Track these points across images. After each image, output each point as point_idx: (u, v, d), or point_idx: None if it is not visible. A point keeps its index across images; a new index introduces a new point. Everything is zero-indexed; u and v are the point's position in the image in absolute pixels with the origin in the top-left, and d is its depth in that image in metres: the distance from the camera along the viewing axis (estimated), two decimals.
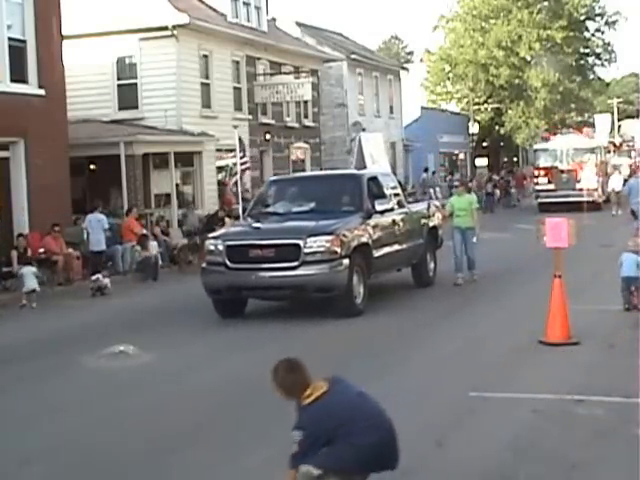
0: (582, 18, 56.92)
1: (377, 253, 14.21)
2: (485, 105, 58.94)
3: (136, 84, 27.42)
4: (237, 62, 30.71)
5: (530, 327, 11.33)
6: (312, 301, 13.64)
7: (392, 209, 15.30)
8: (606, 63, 59.58)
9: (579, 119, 63.41)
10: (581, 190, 34.02)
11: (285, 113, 34.05)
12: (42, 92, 20.75)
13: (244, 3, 31.88)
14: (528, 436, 7.18)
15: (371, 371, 9.71)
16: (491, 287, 16.19)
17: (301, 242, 12.98)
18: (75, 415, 8.59)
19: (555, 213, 27.34)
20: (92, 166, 26.16)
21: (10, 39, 20.25)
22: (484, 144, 60.49)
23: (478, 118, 57.85)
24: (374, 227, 14.32)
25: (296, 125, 34.99)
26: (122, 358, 11.30)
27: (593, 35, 58.79)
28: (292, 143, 34.73)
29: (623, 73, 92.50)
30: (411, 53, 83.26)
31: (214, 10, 30.44)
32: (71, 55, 23.81)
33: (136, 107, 27.20)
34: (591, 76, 60.60)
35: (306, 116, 36.02)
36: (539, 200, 36.96)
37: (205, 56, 28.71)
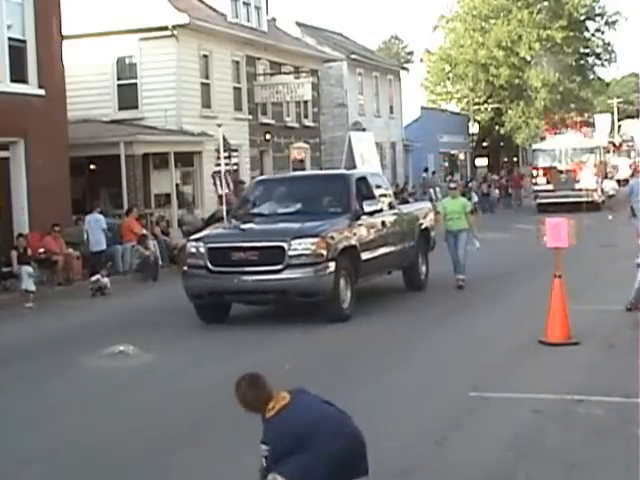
0: (582, 18, 56.92)
1: (365, 256, 13.73)
2: (485, 105, 58.94)
3: (136, 84, 27.41)
4: (237, 62, 30.71)
5: (530, 327, 11.34)
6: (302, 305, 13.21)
7: (381, 210, 14.81)
8: (606, 63, 59.62)
9: (579, 119, 63.43)
10: (580, 190, 33.90)
11: (285, 113, 34.05)
12: (42, 92, 20.75)
13: (244, 3, 31.88)
14: (528, 436, 7.18)
15: (369, 373, 9.72)
16: (491, 287, 16.18)
17: (285, 245, 12.55)
18: (75, 415, 8.59)
19: (554, 214, 27.28)
20: (92, 166, 26.16)
21: (10, 39, 20.24)
22: (484, 144, 60.48)
23: (478, 118, 57.85)
24: (362, 229, 13.89)
25: (296, 125, 34.99)
26: (122, 358, 11.31)
27: (593, 35, 58.80)
28: (292, 143, 34.72)
29: (623, 73, 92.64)
30: (411, 53, 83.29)
31: (214, 10, 30.43)
32: (71, 55, 23.80)
33: (136, 107, 27.19)
34: (591, 76, 60.60)
35: (306, 116, 36.02)
36: (538, 200, 36.69)
37: (205, 56, 28.71)
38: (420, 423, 7.67)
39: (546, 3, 55.74)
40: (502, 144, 61.61)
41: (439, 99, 59.95)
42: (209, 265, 12.89)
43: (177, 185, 26.93)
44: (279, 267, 12.52)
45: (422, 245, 16.29)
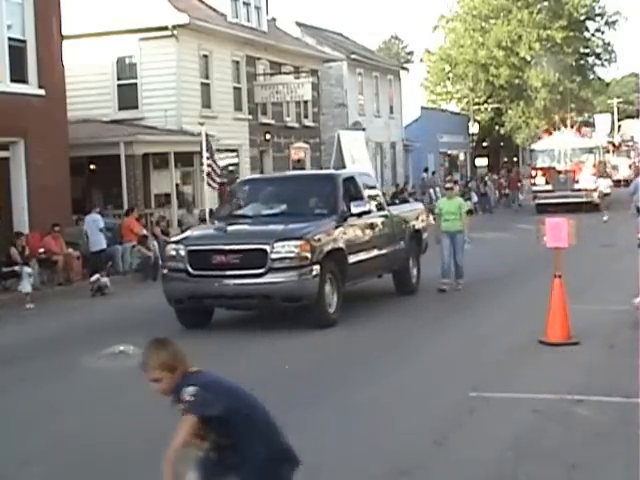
0: (582, 18, 56.97)
1: (353, 259, 13.28)
2: (485, 105, 58.98)
3: (136, 84, 27.43)
4: (237, 62, 30.73)
5: (530, 327, 11.33)
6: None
7: (369, 211, 14.30)
8: (606, 63, 59.70)
9: (579, 119, 63.45)
10: (579, 191, 33.68)
11: (285, 113, 34.06)
12: (42, 92, 20.76)
13: (244, 3, 31.90)
14: (528, 436, 7.18)
15: (368, 374, 9.72)
16: (490, 287, 16.16)
17: (268, 247, 12.09)
18: (75, 415, 8.59)
19: (553, 214, 27.22)
20: (92, 166, 26.18)
21: (10, 39, 20.26)
22: (484, 144, 60.52)
23: (478, 118, 57.87)
24: (349, 231, 13.46)
25: (296, 125, 34.99)
26: (122, 358, 11.30)
27: (593, 35, 58.86)
28: (292, 143, 34.73)
29: (623, 73, 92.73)
30: (411, 53, 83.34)
31: (214, 10, 30.45)
32: (71, 55, 23.82)
33: (136, 107, 27.21)
34: (591, 76, 60.66)
35: (306, 116, 36.02)
36: (536, 201, 36.36)
37: (205, 56, 28.72)
38: (420, 423, 7.67)
39: (546, 3, 55.78)
40: (502, 144, 61.66)
41: (439, 99, 59.99)
42: (189, 268, 12.47)
43: (177, 185, 26.95)
44: (261, 271, 12.09)
45: (413, 247, 15.86)
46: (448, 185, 17.94)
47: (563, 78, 55.19)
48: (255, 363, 10.53)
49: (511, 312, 13.31)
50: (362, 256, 13.69)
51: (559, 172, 35.84)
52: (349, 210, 13.51)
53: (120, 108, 27.47)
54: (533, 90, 55.12)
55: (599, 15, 57.95)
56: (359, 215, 13.72)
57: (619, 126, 71.60)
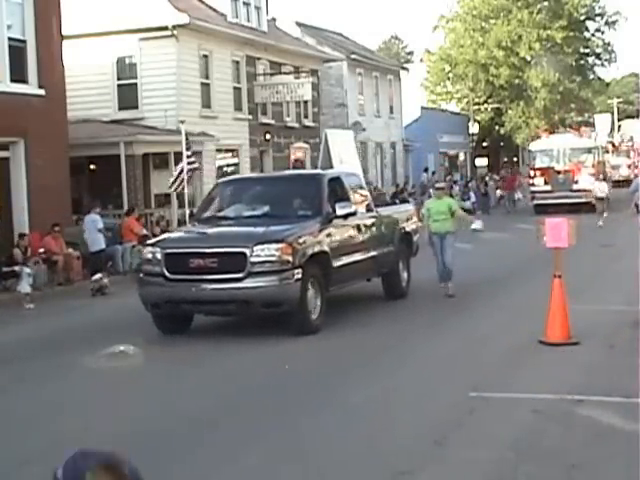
0: (582, 18, 57.00)
1: (337, 262, 12.77)
2: (485, 105, 58.99)
3: (136, 84, 27.42)
4: (237, 62, 30.72)
5: (530, 327, 11.34)
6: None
7: (356, 213, 13.74)
8: (606, 63, 59.71)
9: (579, 119, 63.45)
10: (578, 191, 33.34)
11: (285, 113, 34.06)
12: (42, 92, 20.76)
13: (244, 3, 31.89)
14: (528, 436, 7.18)
15: (367, 375, 9.72)
16: (490, 287, 16.15)
17: (247, 250, 11.60)
18: (75, 415, 8.59)
19: (551, 215, 27.06)
20: (92, 166, 26.17)
21: (10, 39, 20.26)
22: (484, 144, 60.53)
23: (478, 118, 57.89)
24: (334, 233, 12.96)
25: (296, 125, 34.99)
26: (122, 358, 11.31)
27: (593, 35, 58.87)
28: (292, 143, 34.73)
29: (623, 73, 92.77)
30: (411, 53, 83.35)
31: (214, 10, 30.44)
32: (71, 55, 23.81)
33: (136, 107, 27.21)
34: (591, 76, 60.68)
35: (306, 116, 36.02)
36: (535, 202, 35.75)
37: (205, 56, 28.72)
38: (420, 423, 7.67)
39: (546, 3, 55.80)
40: (502, 144, 61.67)
41: (439, 99, 60.00)
42: (165, 272, 12.00)
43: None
44: (240, 275, 11.62)
45: (403, 250, 15.37)
46: (439, 185, 17.39)
47: (563, 78, 55.19)
48: (253, 365, 10.54)
49: (511, 312, 13.31)
50: (348, 259, 13.20)
51: (558, 172, 35.37)
52: (334, 211, 13.06)
53: (120, 108, 27.47)
54: (533, 90, 55.13)
55: (599, 15, 57.98)
56: (345, 217, 13.27)
57: (619, 126, 71.56)
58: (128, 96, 27.37)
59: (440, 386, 9.03)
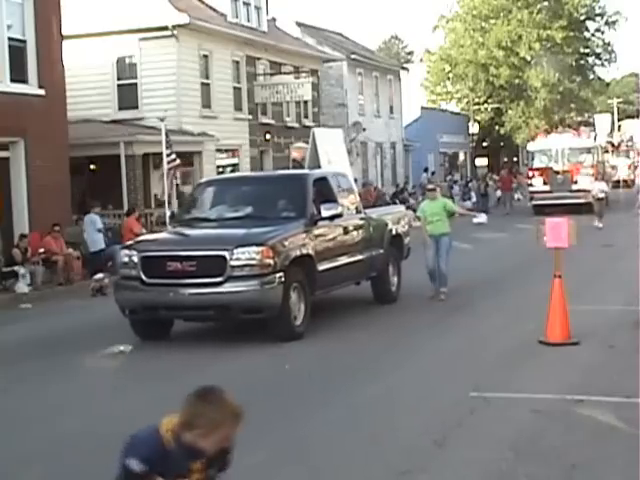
0: (582, 18, 57.04)
1: (323, 266, 12.31)
2: (485, 105, 59.02)
3: (136, 84, 27.44)
4: (237, 62, 30.73)
5: (530, 327, 11.34)
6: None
7: (342, 214, 13.24)
8: (606, 63, 59.77)
9: (579, 119, 63.47)
10: (577, 192, 33.02)
11: (285, 113, 34.07)
12: (42, 92, 20.76)
13: (244, 3, 31.90)
14: (528, 436, 7.18)
15: (367, 374, 9.72)
16: (490, 287, 16.15)
17: (227, 254, 11.11)
18: (75, 415, 8.59)
19: (550, 215, 26.79)
20: (92, 166, 26.17)
21: (10, 39, 20.27)
22: (484, 144, 60.56)
23: (478, 118, 57.93)
24: (319, 236, 12.49)
25: (296, 125, 34.99)
26: (122, 358, 11.32)
27: (593, 35, 58.92)
28: (292, 143, 34.72)
29: (623, 73, 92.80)
30: (411, 53, 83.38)
31: (214, 10, 30.46)
32: (71, 55, 23.82)
33: (136, 107, 27.21)
34: (591, 76, 60.73)
35: (306, 116, 36.02)
36: (533, 202, 35.37)
37: (205, 56, 28.73)
38: (420, 423, 7.67)
39: (546, 3, 55.84)
40: (502, 144, 61.71)
41: (439, 99, 60.05)
42: (142, 276, 11.54)
43: (177, 185, 26.91)
44: (220, 279, 11.14)
45: (393, 253, 14.90)
46: (430, 186, 16.88)
47: (563, 78, 55.22)
48: (252, 366, 10.54)
49: (511, 312, 13.30)
50: (334, 263, 12.77)
51: (557, 173, 34.98)
52: (319, 213, 12.61)
53: (120, 108, 27.48)
54: (533, 90, 55.15)
55: (599, 15, 58.01)
56: (331, 218, 12.81)
57: (619, 126, 71.56)
58: (128, 96, 27.38)
59: (440, 386, 9.02)
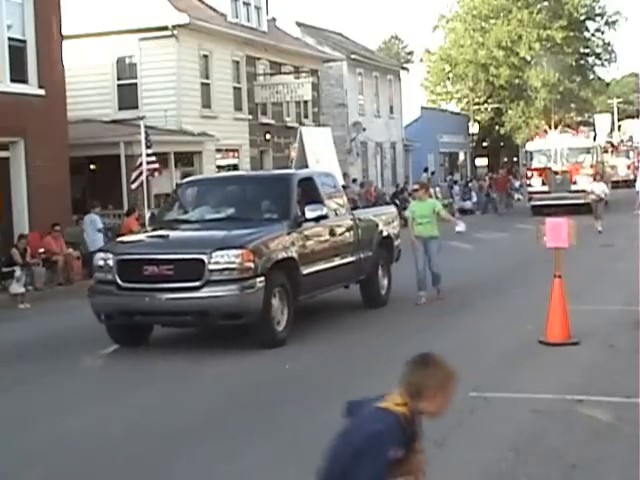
0: (582, 18, 57.02)
1: (307, 269, 11.91)
2: (485, 105, 59.04)
3: (136, 84, 27.44)
4: (237, 62, 30.73)
5: (530, 327, 11.34)
6: None
7: (328, 216, 12.80)
8: (606, 63, 59.74)
9: (579, 119, 63.47)
10: (576, 192, 32.69)
11: (285, 113, 34.07)
12: (42, 92, 20.76)
13: (244, 3, 31.91)
14: (528, 436, 7.18)
15: (368, 374, 9.72)
16: (490, 287, 16.15)
17: (205, 257, 10.73)
18: (75, 415, 8.59)
19: (549, 216, 26.46)
20: (92, 166, 26.17)
21: (10, 39, 20.27)
22: (484, 144, 60.57)
23: (478, 118, 57.94)
24: (304, 238, 12.10)
25: (296, 125, 34.93)
26: (124, 357, 11.32)
27: (593, 35, 58.91)
28: (292, 143, 34.66)
29: (623, 73, 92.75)
30: (411, 53, 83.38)
31: (214, 10, 30.46)
32: (71, 55, 23.83)
33: (136, 107, 27.20)
34: (591, 76, 60.71)
35: (306, 116, 36.02)
36: (532, 203, 35.03)
37: (205, 56, 28.73)
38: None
39: (546, 3, 55.85)
40: (502, 144, 61.71)
41: (439, 99, 60.05)
42: (118, 280, 11.15)
43: (177, 185, 26.92)
44: (198, 284, 10.74)
45: (383, 255, 14.49)
46: (416, 186, 16.25)
47: (563, 78, 55.21)
48: (252, 368, 10.53)
49: (511, 312, 13.30)
50: (319, 266, 12.35)
51: (556, 173, 34.62)
52: (303, 215, 12.22)
53: (120, 108, 27.48)
54: (533, 90, 55.15)
55: (599, 15, 57.99)
56: (316, 220, 12.39)
57: (619, 126, 71.62)
58: (128, 96, 27.39)
59: None
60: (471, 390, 8.51)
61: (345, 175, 37.00)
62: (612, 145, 57.46)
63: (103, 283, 11.41)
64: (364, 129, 39.87)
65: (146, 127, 26.09)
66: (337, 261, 13.01)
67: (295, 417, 8.10)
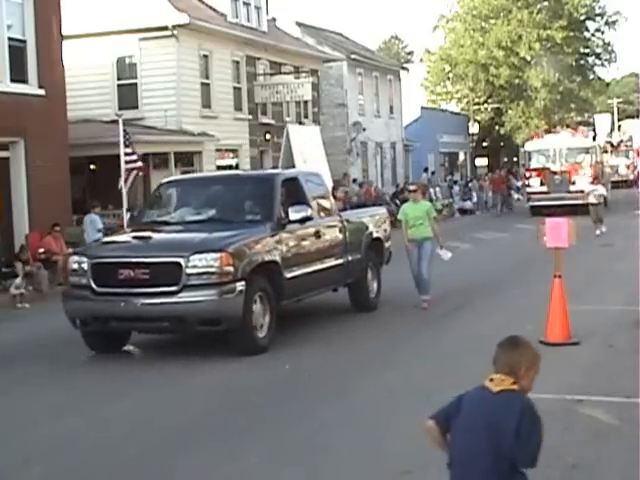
0: (582, 18, 57.03)
1: (290, 273, 11.51)
2: (485, 105, 59.04)
3: (136, 84, 27.44)
4: (237, 62, 30.73)
5: (530, 327, 11.33)
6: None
7: (313, 217, 12.34)
8: (606, 63, 59.76)
9: (579, 119, 63.48)
10: (575, 193, 32.00)
11: (285, 113, 34.06)
12: (42, 92, 20.76)
13: (244, 3, 31.90)
14: None
15: (368, 373, 9.72)
16: (490, 287, 16.15)
17: (182, 260, 10.32)
18: (75, 415, 8.59)
19: (548, 217, 26.00)
20: (92, 166, 26.16)
21: (10, 39, 20.27)
22: (484, 144, 60.56)
23: (478, 118, 57.94)
24: (287, 240, 11.70)
25: (296, 125, 34.98)
26: (122, 358, 11.32)
27: (593, 35, 58.93)
28: None
29: (623, 73, 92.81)
30: (411, 53, 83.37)
31: (214, 10, 30.45)
32: (71, 55, 23.82)
33: (136, 107, 27.20)
34: (591, 76, 60.71)
35: (306, 116, 36.02)
36: (530, 203, 34.83)
37: (205, 56, 28.73)
38: (420, 423, 7.66)
39: (546, 3, 55.86)
40: (502, 144, 61.70)
41: (439, 99, 60.05)
42: (93, 285, 10.75)
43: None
44: (174, 288, 10.34)
45: (372, 258, 14.08)
46: (411, 187, 15.92)
47: (563, 78, 55.22)
48: (253, 362, 10.53)
49: (511, 312, 13.29)
50: (304, 269, 11.93)
51: (554, 173, 34.37)
52: (287, 216, 11.81)
53: (120, 108, 27.43)
54: (533, 90, 55.15)
55: (599, 15, 58.00)
56: (301, 222, 11.97)
57: (619, 126, 71.57)
58: (128, 96, 27.37)
59: (441, 385, 9.02)
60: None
61: (345, 175, 37.07)
62: (612, 145, 57.41)
63: (77, 288, 11.01)
64: (364, 129, 39.87)
65: (146, 127, 26.21)
66: (323, 264, 12.59)
67: (294, 417, 8.10)
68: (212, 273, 10.35)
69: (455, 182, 46.16)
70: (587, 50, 58.97)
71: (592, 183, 28.72)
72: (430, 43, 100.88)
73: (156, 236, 11.69)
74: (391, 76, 46.96)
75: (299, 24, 40.64)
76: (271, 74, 32.57)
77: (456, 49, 56.27)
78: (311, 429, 7.66)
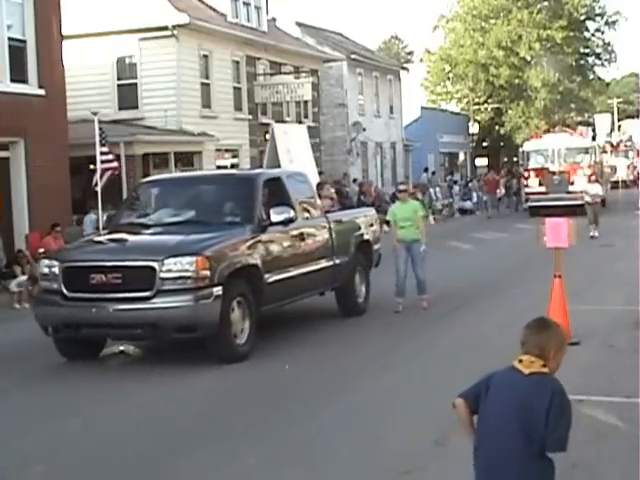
0: (582, 18, 57.03)
1: (272, 277, 11.06)
2: (485, 105, 59.04)
3: (136, 84, 27.43)
4: (237, 62, 30.73)
5: None
6: None
7: (296, 219, 11.89)
8: (606, 63, 59.77)
9: (579, 119, 63.48)
10: (574, 193, 31.62)
11: (285, 113, 34.06)
12: (42, 92, 20.75)
13: (244, 3, 31.90)
14: None
15: (368, 373, 9.72)
16: (490, 287, 16.16)
17: (156, 264, 9.90)
18: (75, 415, 8.59)
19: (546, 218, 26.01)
20: (92, 166, 26.13)
21: (10, 39, 20.25)
22: (484, 144, 60.56)
23: (478, 118, 57.94)
24: (269, 243, 11.26)
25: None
26: (122, 358, 11.32)
27: (593, 35, 58.93)
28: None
29: (623, 73, 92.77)
30: (411, 53, 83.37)
31: (214, 10, 30.45)
32: (71, 55, 23.81)
33: (136, 107, 27.21)
34: (591, 76, 60.73)
35: (306, 116, 36.02)
36: (529, 204, 34.58)
37: (205, 56, 28.72)
38: (420, 423, 7.67)
39: (546, 3, 55.86)
40: (502, 144, 61.70)
41: (439, 99, 60.04)
42: (64, 290, 10.34)
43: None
44: (148, 294, 9.92)
45: (360, 261, 13.62)
46: (401, 187, 15.57)
47: (563, 78, 55.22)
48: (249, 371, 10.53)
49: (511, 312, 13.29)
50: (287, 273, 11.50)
51: (553, 173, 34.14)
52: (269, 218, 11.37)
53: (120, 108, 27.47)
54: (533, 90, 55.15)
55: (599, 15, 58.01)
56: (284, 224, 11.54)
57: (619, 126, 71.58)
58: (128, 96, 27.37)
59: (441, 385, 9.02)
60: None
61: (345, 175, 37.09)
62: (611, 145, 57.40)
63: (48, 293, 10.59)
64: (364, 129, 39.86)
65: (146, 127, 26.21)
66: (308, 267, 12.09)
67: (294, 418, 8.10)
68: (187, 277, 9.93)
69: (455, 182, 46.13)
70: (587, 50, 58.98)
71: (589, 182, 28.59)
72: (430, 43, 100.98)
73: (131, 238, 11.30)
74: (391, 76, 46.96)
75: (299, 24, 40.64)
76: (271, 74, 32.57)
77: (456, 49, 56.27)
78: (310, 429, 7.66)
